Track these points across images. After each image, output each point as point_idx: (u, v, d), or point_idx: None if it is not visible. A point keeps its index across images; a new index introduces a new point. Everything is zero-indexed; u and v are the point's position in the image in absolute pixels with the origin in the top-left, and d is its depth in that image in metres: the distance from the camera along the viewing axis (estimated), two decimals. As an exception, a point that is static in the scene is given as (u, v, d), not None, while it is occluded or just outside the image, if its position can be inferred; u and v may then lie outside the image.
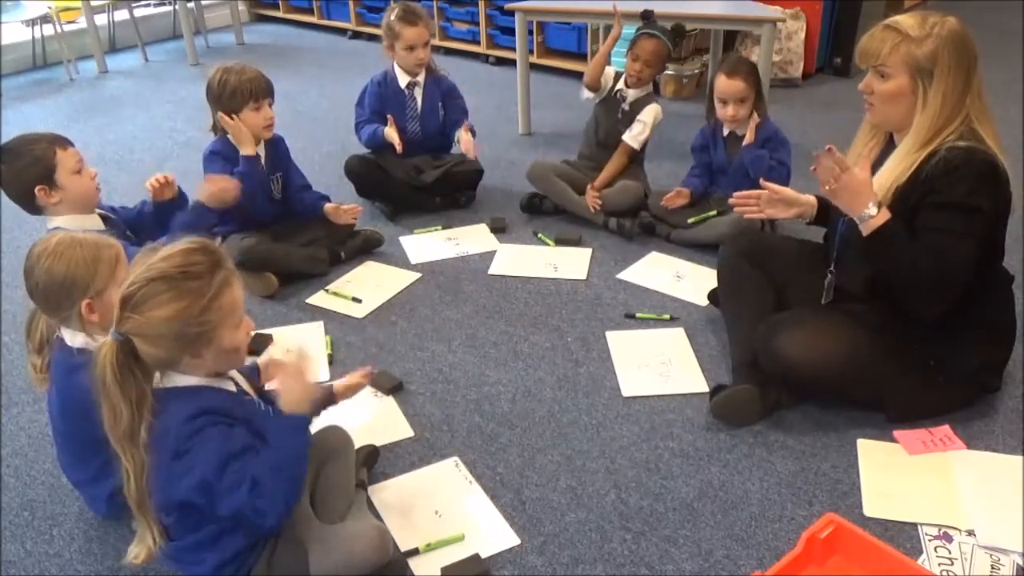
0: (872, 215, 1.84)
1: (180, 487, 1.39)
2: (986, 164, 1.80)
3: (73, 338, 1.68)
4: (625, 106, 3.11)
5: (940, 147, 1.82)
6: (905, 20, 1.85)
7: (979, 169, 1.79)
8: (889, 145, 2.00)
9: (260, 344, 2.40)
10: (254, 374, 1.73)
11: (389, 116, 3.11)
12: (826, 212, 2.19)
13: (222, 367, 1.47)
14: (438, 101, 3.25)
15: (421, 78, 3.20)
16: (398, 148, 3.06)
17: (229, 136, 2.66)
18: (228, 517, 1.42)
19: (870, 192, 1.85)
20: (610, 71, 3.16)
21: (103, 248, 1.66)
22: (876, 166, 1.98)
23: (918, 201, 1.85)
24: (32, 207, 2.08)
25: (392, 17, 3.09)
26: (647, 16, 3.08)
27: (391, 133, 3.07)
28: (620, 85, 3.13)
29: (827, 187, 1.86)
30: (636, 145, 3.10)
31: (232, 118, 2.59)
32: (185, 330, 1.34)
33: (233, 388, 1.52)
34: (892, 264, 1.87)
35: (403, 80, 3.18)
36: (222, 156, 2.66)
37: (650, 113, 3.08)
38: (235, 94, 2.58)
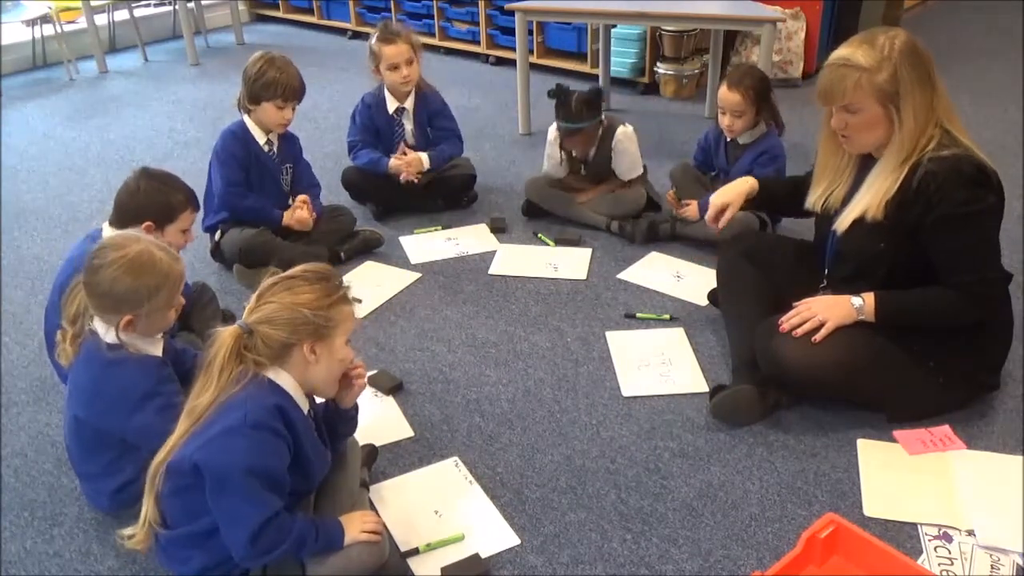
0: (862, 304, 1.94)
1: (211, 454, 1.42)
2: (972, 167, 1.82)
3: (106, 332, 1.71)
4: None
5: (922, 158, 1.84)
6: (854, 53, 1.83)
7: (968, 174, 1.81)
8: (867, 161, 1.98)
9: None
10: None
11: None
12: (769, 195, 2.29)
13: (325, 381, 1.59)
14: (427, 126, 3.19)
15: (410, 103, 3.11)
16: (403, 179, 3.05)
17: (247, 120, 2.72)
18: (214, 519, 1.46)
19: (836, 297, 1.97)
20: (555, 161, 3.04)
21: (171, 272, 1.71)
22: (856, 184, 1.99)
23: (918, 219, 1.86)
24: (130, 226, 2.08)
25: (372, 39, 3.03)
26: (554, 95, 2.87)
27: (397, 164, 3.05)
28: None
29: (801, 327, 1.94)
30: (636, 173, 3.02)
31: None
32: (309, 318, 1.48)
33: (306, 409, 1.59)
34: (927, 317, 1.93)
35: (391, 105, 3.11)
36: (237, 138, 2.71)
37: (624, 140, 2.96)
38: (268, 87, 2.63)
